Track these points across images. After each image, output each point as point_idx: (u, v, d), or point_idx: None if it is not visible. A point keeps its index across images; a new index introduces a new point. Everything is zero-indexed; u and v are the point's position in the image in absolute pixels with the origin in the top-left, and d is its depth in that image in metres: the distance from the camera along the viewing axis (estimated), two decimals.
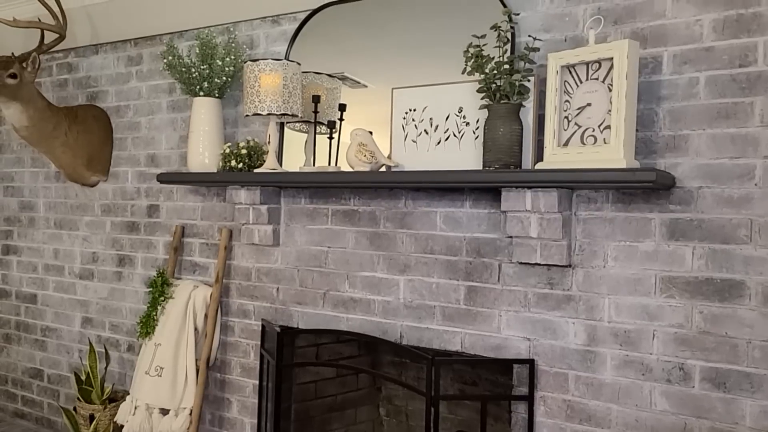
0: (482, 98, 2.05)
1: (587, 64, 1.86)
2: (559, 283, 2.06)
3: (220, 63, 2.66)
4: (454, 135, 2.19)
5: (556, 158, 1.89)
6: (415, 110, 2.27)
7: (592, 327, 2.01)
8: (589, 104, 1.86)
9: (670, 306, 1.89)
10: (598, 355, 2.00)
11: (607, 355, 1.98)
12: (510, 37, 2.08)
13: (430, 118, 2.24)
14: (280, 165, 2.59)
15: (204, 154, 2.71)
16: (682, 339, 1.87)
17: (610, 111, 1.80)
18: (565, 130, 1.90)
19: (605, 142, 1.81)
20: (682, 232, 1.87)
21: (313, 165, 2.55)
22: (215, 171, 2.70)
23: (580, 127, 1.88)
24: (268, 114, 2.40)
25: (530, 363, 2.09)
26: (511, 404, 2.15)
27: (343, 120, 2.49)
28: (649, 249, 1.92)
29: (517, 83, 1.97)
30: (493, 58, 2.01)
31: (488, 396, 2.33)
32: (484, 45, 2.04)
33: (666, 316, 1.89)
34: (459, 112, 2.18)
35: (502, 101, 1.99)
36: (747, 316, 1.78)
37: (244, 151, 2.56)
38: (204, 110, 2.72)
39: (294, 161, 2.59)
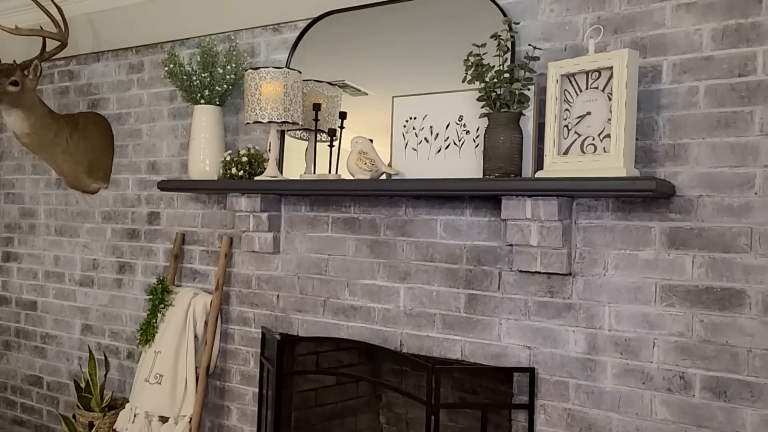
0: (482, 107, 2.05)
1: (587, 73, 1.87)
2: (560, 292, 2.06)
3: (221, 71, 2.67)
4: (455, 143, 2.19)
5: (556, 167, 1.90)
6: (415, 118, 2.28)
7: (592, 335, 2.01)
8: (588, 113, 1.87)
9: (670, 314, 1.89)
10: (599, 364, 1.99)
11: (607, 363, 1.98)
12: (510, 46, 2.09)
13: (431, 126, 2.24)
14: (281, 173, 2.59)
15: (205, 162, 2.72)
16: (682, 348, 1.87)
17: (609, 120, 1.80)
18: (565, 138, 1.91)
19: (605, 151, 1.82)
20: (682, 241, 1.88)
21: (314, 173, 2.55)
22: (216, 178, 2.70)
23: (579, 135, 1.88)
24: (269, 122, 2.40)
25: (530, 371, 2.08)
26: (511, 413, 2.15)
27: (343, 128, 2.49)
28: (649, 257, 1.92)
29: (517, 92, 1.98)
30: (494, 66, 2.02)
31: (488, 404, 2.33)
32: (484, 54, 2.04)
33: (666, 324, 1.89)
34: (459, 121, 2.19)
35: (502, 110, 2.00)
36: (747, 325, 1.78)
37: (244, 159, 2.56)
38: (205, 118, 2.73)
39: (294, 169, 2.60)
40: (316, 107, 2.51)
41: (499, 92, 1.99)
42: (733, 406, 1.80)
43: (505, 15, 2.14)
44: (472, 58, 2.05)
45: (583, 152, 1.87)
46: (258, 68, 2.42)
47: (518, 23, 2.15)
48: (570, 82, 1.91)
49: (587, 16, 2.05)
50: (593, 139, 1.85)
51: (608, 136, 1.81)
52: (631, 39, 1.97)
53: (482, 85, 2.02)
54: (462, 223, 2.25)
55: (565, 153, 1.90)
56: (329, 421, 2.78)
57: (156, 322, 2.87)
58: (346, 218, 2.53)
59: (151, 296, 2.91)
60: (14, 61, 3.02)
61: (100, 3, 3.24)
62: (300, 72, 2.48)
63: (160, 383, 2.77)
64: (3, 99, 2.89)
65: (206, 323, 2.82)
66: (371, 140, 2.32)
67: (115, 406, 3.10)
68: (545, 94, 1.96)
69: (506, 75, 2.00)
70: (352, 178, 2.31)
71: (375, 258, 2.45)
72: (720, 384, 1.82)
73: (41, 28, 3.06)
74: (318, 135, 2.56)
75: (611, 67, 1.80)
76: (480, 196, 2.17)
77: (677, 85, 1.89)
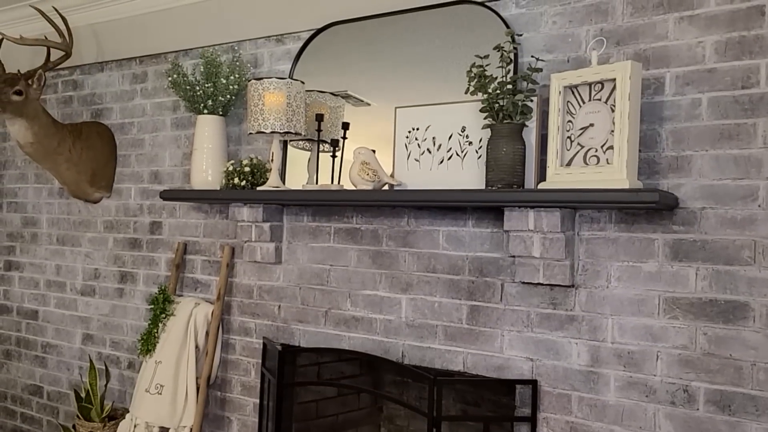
0: (485, 118, 2.06)
1: (590, 84, 1.87)
2: (562, 303, 2.05)
3: (224, 81, 2.67)
4: (457, 154, 2.19)
5: (558, 178, 1.89)
6: (418, 129, 2.28)
7: (595, 348, 2.00)
8: (591, 124, 1.87)
9: (673, 327, 1.88)
10: (602, 376, 1.98)
11: (610, 376, 1.97)
12: (513, 58, 2.09)
13: (433, 137, 2.24)
14: (283, 183, 2.59)
15: (207, 172, 2.72)
16: (686, 360, 1.86)
17: (612, 131, 1.80)
18: (568, 150, 1.91)
19: (608, 163, 1.81)
20: (686, 253, 1.87)
21: (316, 183, 2.55)
22: (218, 188, 2.70)
23: (582, 147, 1.88)
24: (272, 132, 2.41)
25: (533, 384, 2.07)
26: (513, 425, 2.13)
27: (346, 138, 2.49)
28: (653, 269, 1.92)
29: (519, 103, 1.98)
30: (496, 78, 2.02)
31: (490, 417, 2.31)
32: (487, 65, 2.05)
33: (670, 337, 1.88)
34: (462, 132, 2.19)
35: (504, 121, 2.00)
36: (751, 338, 1.77)
37: (247, 169, 2.56)
38: (208, 128, 2.73)
39: (297, 179, 2.60)
40: (319, 118, 2.52)
41: (501, 103, 2.00)
42: (737, 420, 1.78)
43: (508, 27, 2.14)
44: (475, 70, 2.05)
45: (586, 164, 1.87)
46: (261, 79, 2.42)
47: (521, 35, 2.15)
48: (573, 93, 1.91)
49: (590, 28, 2.05)
50: (596, 150, 1.85)
51: (611, 147, 1.81)
52: (634, 51, 1.97)
53: (485, 96, 2.02)
54: (464, 234, 2.25)
55: (568, 164, 1.90)
56: None
57: (157, 332, 2.86)
58: (348, 229, 2.53)
59: (152, 306, 2.90)
60: (18, 70, 3.03)
61: (104, 13, 3.26)
62: (303, 82, 2.49)
63: (160, 393, 2.75)
64: (7, 108, 2.90)
65: (207, 333, 2.82)
66: (374, 151, 2.32)
67: (116, 416, 3.09)
68: (548, 105, 1.95)
69: (509, 86, 2.00)
70: (354, 188, 2.31)
71: (377, 269, 2.45)
72: (724, 397, 1.80)
73: (46, 38, 3.08)
74: (321, 145, 2.56)
75: (614, 79, 1.80)
76: (482, 207, 2.16)
77: (680, 97, 1.89)
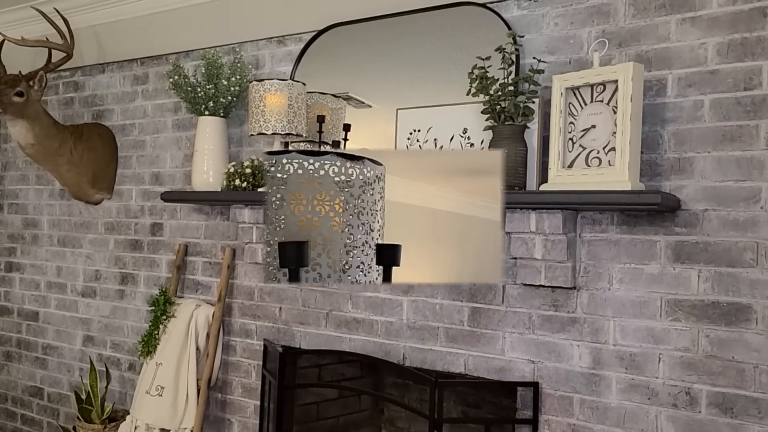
0: (487, 119, 2.05)
1: (592, 86, 1.87)
2: (564, 305, 2.05)
3: (225, 83, 2.67)
4: None
5: (560, 180, 1.89)
6: (419, 131, 2.28)
7: (597, 350, 1.99)
8: (593, 126, 1.86)
9: (675, 329, 1.87)
10: (604, 379, 1.98)
11: (612, 378, 1.96)
12: (515, 59, 2.09)
13: (435, 139, 2.24)
14: None
15: (208, 173, 2.71)
16: (688, 363, 1.85)
17: (614, 133, 1.80)
18: (570, 151, 1.90)
19: (610, 164, 1.81)
20: (688, 255, 1.86)
21: None
22: (219, 190, 2.70)
23: (584, 148, 1.88)
24: (273, 134, 2.40)
25: (534, 386, 2.07)
26: (515, 428, 2.13)
27: (347, 140, 2.49)
28: (655, 271, 1.91)
29: (521, 105, 1.98)
30: (498, 79, 2.02)
31: (492, 419, 2.31)
32: (488, 67, 2.05)
33: (672, 339, 1.88)
34: (463, 133, 2.19)
35: (506, 122, 2.00)
36: (754, 341, 1.77)
37: (248, 171, 2.56)
38: (209, 129, 2.73)
39: None
40: (320, 119, 2.51)
41: (503, 105, 1.99)
42: (740, 422, 1.78)
43: (509, 28, 2.14)
44: (476, 71, 2.05)
45: (588, 165, 1.86)
46: (262, 80, 2.42)
47: (523, 36, 2.15)
48: (575, 95, 1.90)
49: (592, 29, 2.05)
50: (598, 152, 1.85)
51: (613, 149, 1.80)
52: (636, 52, 1.97)
53: (487, 97, 2.02)
54: None
55: (570, 166, 1.90)
56: None
57: (158, 334, 2.86)
58: None
59: (153, 307, 2.90)
60: (20, 71, 3.03)
61: (105, 15, 3.26)
62: (304, 84, 2.49)
63: (161, 395, 2.75)
64: (8, 109, 2.90)
65: (208, 335, 2.81)
66: None
67: (116, 418, 3.09)
68: (550, 107, 1.95)
69: (511, 88, 2.00)
70: None
71: None
72: (726, 400, 1.80)
73: (47, 39, 3.08)
74: (322, 147, 2.55)
75: (616, 81, 1.80)
76: None
77: (682, 99, 1.89)
